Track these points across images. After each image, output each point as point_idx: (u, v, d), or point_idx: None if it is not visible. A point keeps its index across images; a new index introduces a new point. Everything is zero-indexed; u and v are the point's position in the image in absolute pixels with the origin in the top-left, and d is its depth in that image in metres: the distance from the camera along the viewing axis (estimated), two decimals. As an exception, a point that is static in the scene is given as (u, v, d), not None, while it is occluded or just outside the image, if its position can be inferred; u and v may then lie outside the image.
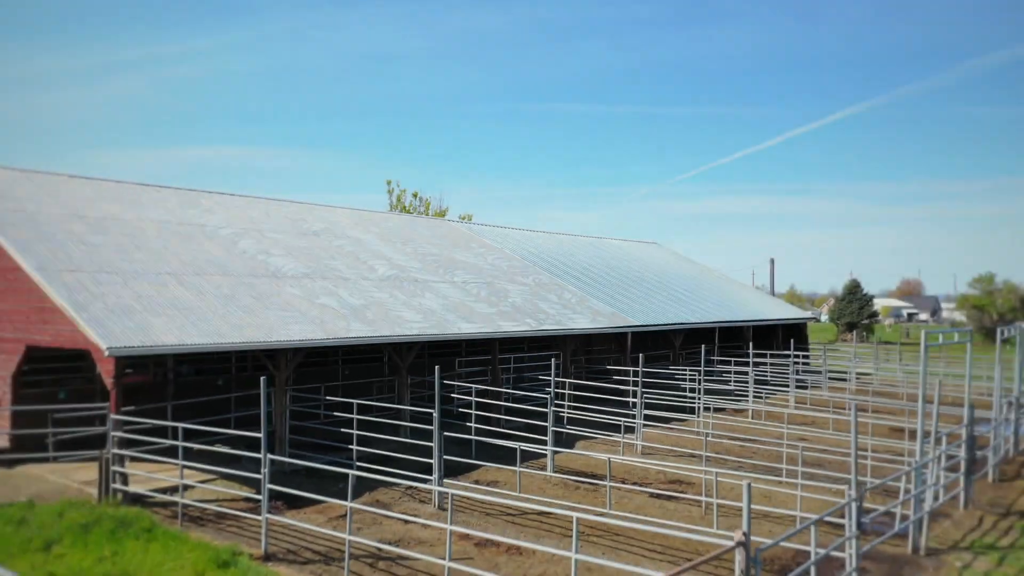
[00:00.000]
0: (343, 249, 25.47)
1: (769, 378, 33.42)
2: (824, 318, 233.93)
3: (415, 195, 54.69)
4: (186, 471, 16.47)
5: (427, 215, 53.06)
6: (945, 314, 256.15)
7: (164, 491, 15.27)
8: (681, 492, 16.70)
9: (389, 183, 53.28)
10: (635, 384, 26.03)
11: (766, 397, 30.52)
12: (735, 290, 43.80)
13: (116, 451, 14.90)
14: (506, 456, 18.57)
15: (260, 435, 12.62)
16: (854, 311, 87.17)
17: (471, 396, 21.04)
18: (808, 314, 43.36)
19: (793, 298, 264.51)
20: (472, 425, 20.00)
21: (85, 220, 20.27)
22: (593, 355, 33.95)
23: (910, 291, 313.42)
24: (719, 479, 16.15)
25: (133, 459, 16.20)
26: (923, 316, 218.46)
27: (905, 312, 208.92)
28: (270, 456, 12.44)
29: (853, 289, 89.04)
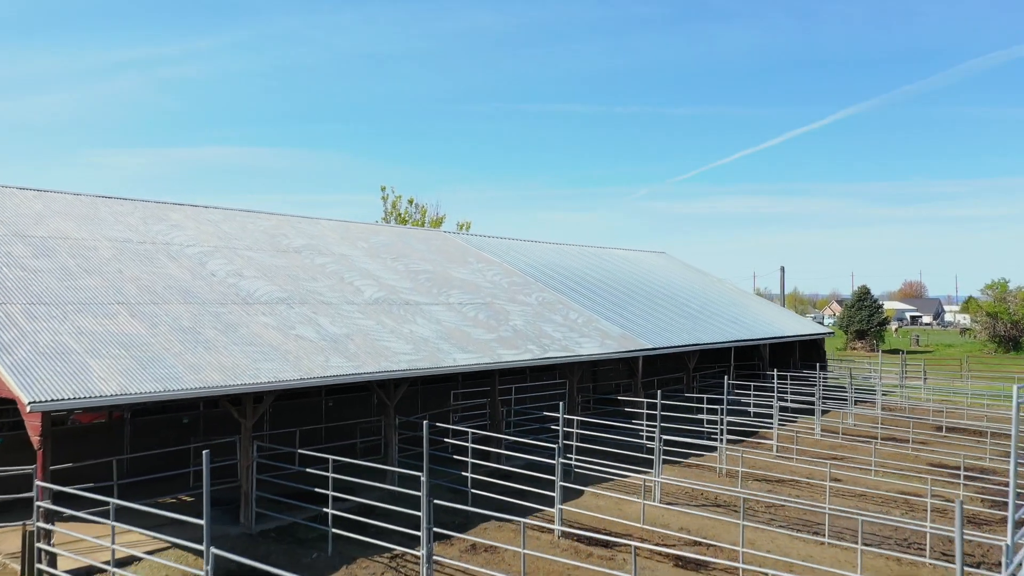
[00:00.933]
0: (326, 268, 23.05)
1: (790, 402, 31.02)
2: (828, 321, 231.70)
3: (411, 201, 52.31)
4: (135, 538, 14.09)
5: (423, 224, 50.70)
6: (948, 316, 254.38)
7: (98, 572, 12.84)
8: (711, 557, 14.28)
9: (384, 189, 50.93)
10: (650, 419, 23.60)
11: (790, 425, 28.10)
12: (748, 303, 41.40)
13: (41, 524, 12.49)
14: (507, 505, 16.17)
15: (202, 521, 10.17)
16: (863, 318, 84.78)
17: (467, 441, 18.55)
18: (827, 329, 40.99)
19: (796, 301, 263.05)
20: (468, 475, 17.58)
21: (28, 240, 17.85)
22: (600, 380, 31.57)
23: (913, 293, 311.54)
24: (754, 545, 13.85)
25: (69, 520, 13.83)
26: (926, 319, 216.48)
27: (908, 315, 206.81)
28: (214, 551, 9.99)
29: (862, 296, 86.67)
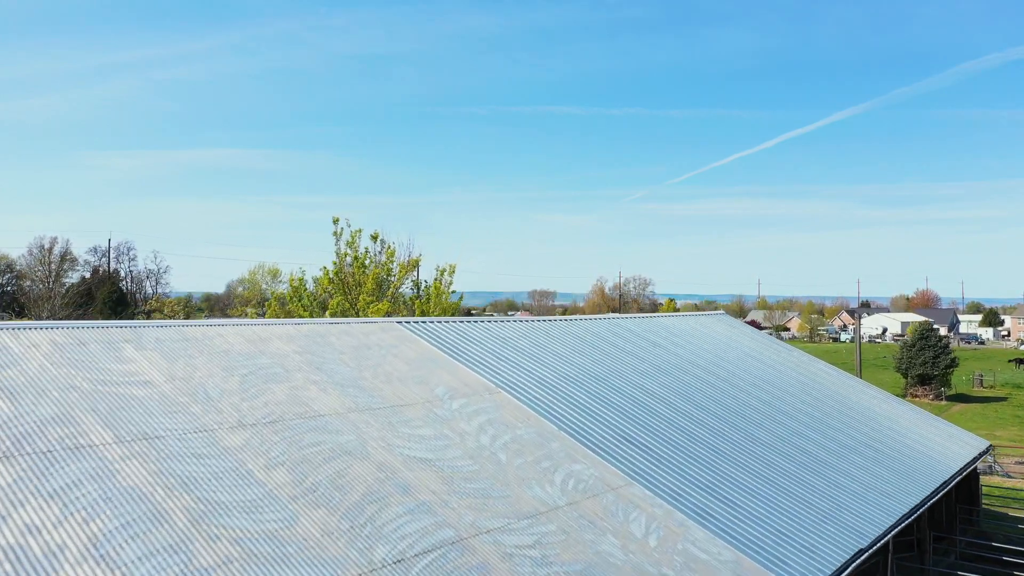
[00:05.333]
0: (79, 505, 9.38)
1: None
2: (845, 337, 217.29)
3: (374, 237, 38.52)
4: None
5: (389, 270, 36.99)
6: (963, 327, 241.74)
7: None
8: None
9: (336, 221, 37.12)
10: None
11: None
12: (864, 400, 27.85)
13: None
14: None
15: None
16: (927, 360, 71.27)
17: None
18: (984, 443, 27.43)
19: (811, 309, 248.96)
20: None
21: None
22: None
23: (925, 303, 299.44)
24: None
25: None
26: (942, 331, 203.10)
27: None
28: None
29: (925, 333, 73.15)
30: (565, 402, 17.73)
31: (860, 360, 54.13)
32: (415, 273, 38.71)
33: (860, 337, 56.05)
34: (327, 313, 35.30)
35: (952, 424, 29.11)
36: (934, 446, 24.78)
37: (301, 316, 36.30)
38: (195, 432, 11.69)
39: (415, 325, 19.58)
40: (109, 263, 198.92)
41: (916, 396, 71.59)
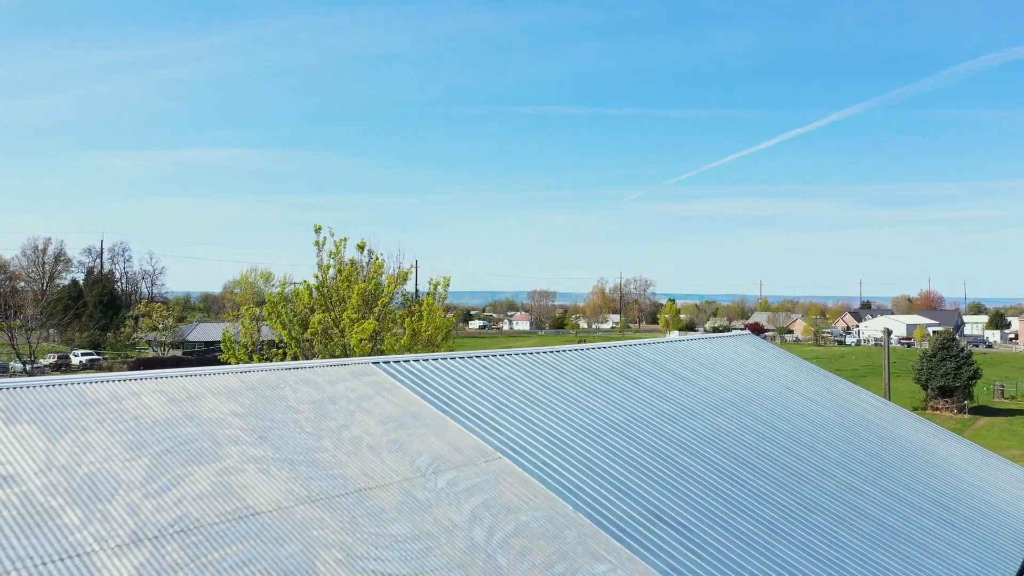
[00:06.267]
0: None
1: None
2: (851, 340, 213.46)
3: (361, 247, 35.03)
4: None
5: (376, 283, 33.44)
6: (968, 329, 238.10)
7: None
8: None
9: (318, 229, 33.58)
10: None
11: None
12: (911, 435, 24.34)
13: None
14: None
15: None
16: (949, 371, 67.75)
17: None
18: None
19: (814, 310, 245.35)
20: None
21: None
22: None
23: (929, 304, 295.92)
24: None
25: None
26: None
27: (931, 331, 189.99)
28: None
29: (946, 343, 69.61)
30: (580, 467, 14.19)
31: (888, 381, 50.27)
32: (405, 286, 35.18)
33: (888, 352, 52.03)
34: (308, 332, 31.82)
35: (1014, 464, 25.61)
36: (1005, 496, 21.27)
37: (281, 332, 32.88)
38: (62, 559, 8.14)
39: (395, 366, 16.01)
40: (102, 264, 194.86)
41: (938, 410, 68.12)
